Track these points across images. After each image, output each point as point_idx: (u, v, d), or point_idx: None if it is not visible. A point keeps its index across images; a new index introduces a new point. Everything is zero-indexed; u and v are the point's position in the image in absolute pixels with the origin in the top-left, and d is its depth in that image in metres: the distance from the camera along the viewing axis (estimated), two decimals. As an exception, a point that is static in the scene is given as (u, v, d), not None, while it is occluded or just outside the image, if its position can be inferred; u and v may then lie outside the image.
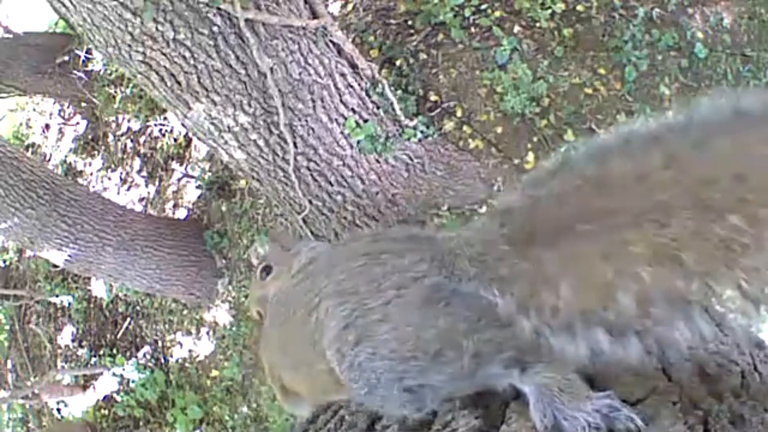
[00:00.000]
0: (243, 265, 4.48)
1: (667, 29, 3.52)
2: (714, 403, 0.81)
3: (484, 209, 3.44)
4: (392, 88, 3.20)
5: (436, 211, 3.42)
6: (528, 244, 0.83)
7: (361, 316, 0.90)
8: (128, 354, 5.42)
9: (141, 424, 5.23)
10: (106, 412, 5.50)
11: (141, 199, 5.56)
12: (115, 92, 5.48)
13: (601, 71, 3.50)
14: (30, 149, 6.69)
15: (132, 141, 5.80)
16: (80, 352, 5.81)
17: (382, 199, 3.25)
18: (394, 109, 3.14)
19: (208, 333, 4.86)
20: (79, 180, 6.05)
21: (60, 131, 6.63)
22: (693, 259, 0.71)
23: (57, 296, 5.82)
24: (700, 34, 3.54)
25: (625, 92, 3.46)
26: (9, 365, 6.40)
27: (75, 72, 5.59)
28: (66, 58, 5.65)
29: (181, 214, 5.16)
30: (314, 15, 2.72)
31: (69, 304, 5.84)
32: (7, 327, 6.45)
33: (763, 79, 3.54)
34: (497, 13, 3.68)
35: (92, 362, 5.58)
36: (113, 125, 5.97)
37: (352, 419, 0.99)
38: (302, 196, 3.04)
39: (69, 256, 3.83)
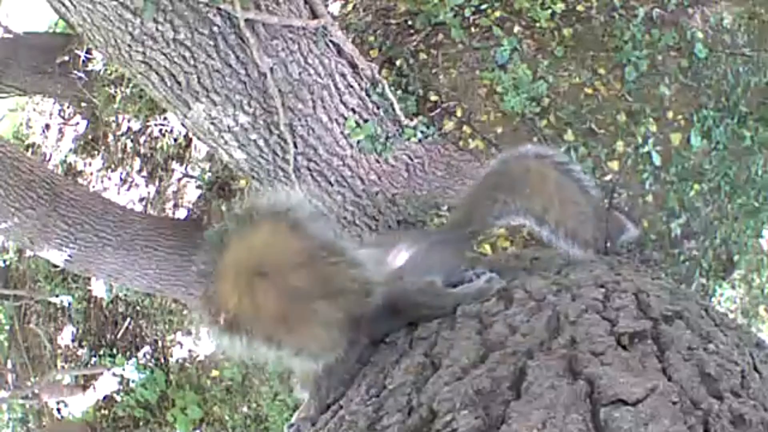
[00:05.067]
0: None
1: (667, 29, 3.52)
2: (714, 403, 0.81)
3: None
4: (392, 88, 3.20)
5: (436, 211, 3.42)
6: None
7: None
8: (128, 354, 5.42)
9: (141, 424, 5.24)
10: (106, 412, 5.50)
11: (141, 199, 5.56)
12: (115, 92, 5.48)
13: (601, 71, 3.50)
14: (30, 149, 6.69)
15: (132, 141, 5.80)
16: (80, 352, 5.82)
17: (382, 199, 3.25)
18: (394, 109, 3.14)
19: (208, 333, 4.86)
20: (79, 180, 6.05)
21: (60, 131, 6.64)
22: None
23: (57, 296, 5.83)
24: (700, 34, 3.54)
25: (625, 92, 3.46)
26: (9, 365, 6.41)
27: (75, 72, 5.60)
28: (66, 58, 5.65)
29: (181, 214, 5.16)
30: (314, 15, 2.72)
31: (69, 304, 5.84)
32: (7, 327, 6.45)
33: (763, 79, 3.55)
34: (497, 13, 3.68)
35: (92, 362, 5.59)
36: (113, 125, 5.97)
37: (352, 419, 0.99)
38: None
39: (69, 256, 3.83)
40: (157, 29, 2.34)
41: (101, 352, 5.54)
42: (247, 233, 1.05)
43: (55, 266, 5.32)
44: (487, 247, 3.36)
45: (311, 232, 1.07)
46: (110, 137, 6.00)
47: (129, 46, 2.39)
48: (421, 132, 3.32)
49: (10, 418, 6.29)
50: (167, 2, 2.28)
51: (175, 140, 5.42)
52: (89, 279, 5.55)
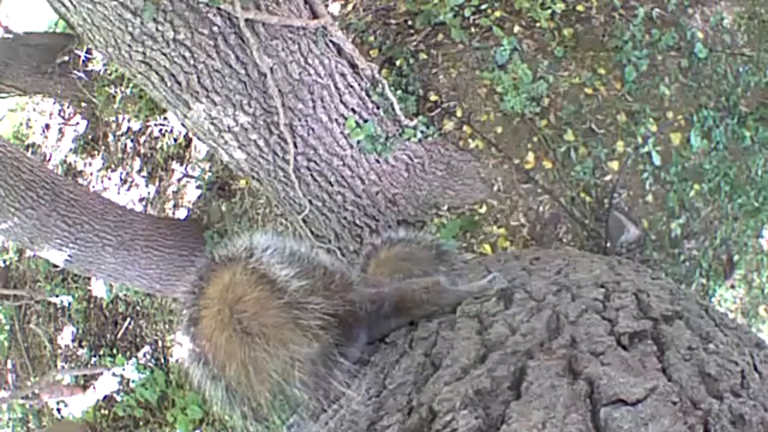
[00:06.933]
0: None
1: (667, 29, 3.52)
2: (714, 403, 0.81)
3: (483, 209, 3.44)
4: (392, 88, 3.20)
5: (436, 211, 3.42)
6: None
7: None
8: (128, 354, 5.42)
9: (141, 424, 5.24)
10: (106, 412, 5.50)
11: (141, 199, 5.56)
12: (115, 92, 5.49)
13: (601, 71, 3.50)
14: (30, 149, 6.69)
15: (132, 141, 5.80)
16: (80, 352, 5.82)
17: (382, 199, 3.26)
18: (394, 109, 3.14)
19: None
20: (79, 180, 6.06)
21: (60, 131, 6.64)
22: None
23: (57, 296, 5.83)
24: (700, 34, 3.54)
25: (625, 92, 3.46)
26: (9, 365, 6.41)
27: (75, 72, 5.60)
28: (66, 58, 5.66)
29: (181, 214, 5.16)
30: (314, 15, 2.72)
31: (69, 304, 5.84)
32: (7, 327, 6.45)
33: (763, 79, 3.55)
34: (497, 13, 3.68)
35: (92, 362, 5.59)
36: (113, 125, 5.97)
37: (352, 419, 0.99)
38: (302, 196, 3.04)
39: (69, 256, 3.83)
40: (157, 29, 2.34)
41: (101, 352, 5.54)
42: (219, 275, 1.17)
43: (55, 266, 5.32)
44: (487, 247, 3.36)
45: (270, 272, 1.16)
46: (110, 137, 6.00)
47: (129, 46, 2.39)
48: (421, 132, 3.32)
49: (10, 418, 6.29)
50: (167, 2, 2.28)
51: (175, 140, 5.42)
52: (89, 279, 5.55)
